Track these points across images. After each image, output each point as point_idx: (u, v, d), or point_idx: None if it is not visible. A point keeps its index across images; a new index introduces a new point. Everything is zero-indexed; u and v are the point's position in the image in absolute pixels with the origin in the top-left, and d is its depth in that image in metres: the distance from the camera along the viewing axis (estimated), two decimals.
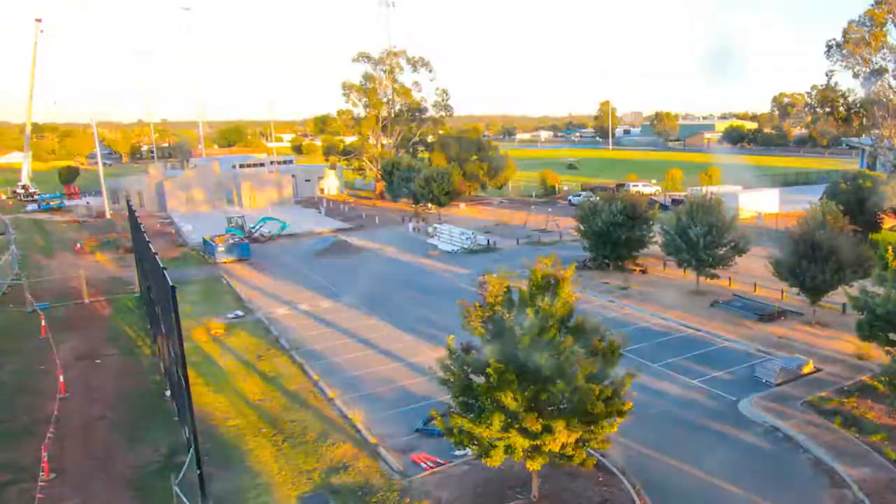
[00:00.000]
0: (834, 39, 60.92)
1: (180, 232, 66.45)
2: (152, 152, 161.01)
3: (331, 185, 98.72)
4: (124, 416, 25.18)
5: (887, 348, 23.27)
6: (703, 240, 36.05)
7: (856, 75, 60.70)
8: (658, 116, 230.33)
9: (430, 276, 46.23)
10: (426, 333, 32.04)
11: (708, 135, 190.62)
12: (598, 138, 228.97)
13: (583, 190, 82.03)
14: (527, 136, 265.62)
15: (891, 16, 57.25)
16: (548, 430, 16.36)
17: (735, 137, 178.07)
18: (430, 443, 21.74)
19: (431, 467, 20.37)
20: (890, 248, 23.14)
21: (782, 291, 35.89)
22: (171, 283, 18.25)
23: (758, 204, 63.48)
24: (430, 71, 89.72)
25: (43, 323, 36.11)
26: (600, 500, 18.49)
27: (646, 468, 20.07)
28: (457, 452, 20.30)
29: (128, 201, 54.97)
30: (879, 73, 59.31)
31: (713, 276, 37.55)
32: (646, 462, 20.42)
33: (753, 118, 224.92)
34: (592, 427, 16.71)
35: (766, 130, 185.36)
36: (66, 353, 32.04)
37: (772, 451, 21.00)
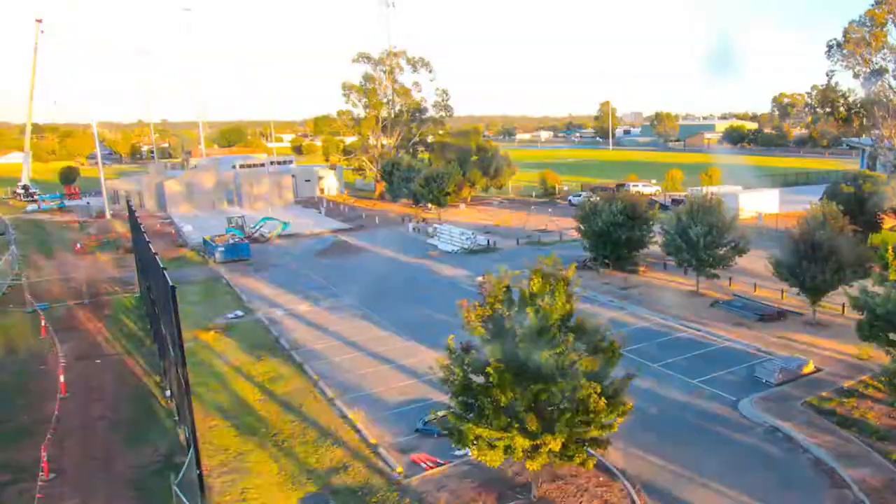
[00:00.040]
0: (834, 39, 60.97)
1: (180, 232, 66.46)
2: (152, 152, 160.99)
3: (331, 185, 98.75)
4: (124, 416, 25.18)
5: (887, 348, 23.27)
6: (704, 240, 36.05)
7: (856, 75, 60.74)
8: (658, 117, 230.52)
9: (430, 276, 46.22)
10: (426, 333, 32.02)
11: (708, 135, 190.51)
12: (598, 139, 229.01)
13: (583, 190, 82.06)
14: (527, 136, 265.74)
15: (891, 16, 57.26)
16: (548, 429, 16.36)
17: (735, 138, 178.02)
18: (430, 443, 21.75)
19: (431, 467, 20.36)
20: (890, 247, 23.13)
21: (782, 291, 35.89)
22: (171, 284, 18.27)
23: (758, 204, 63.42)
24: (430, 71, 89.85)
25: (43, 323, 36.14)
26: (600, 501, 18.49)
27: (646, 468, 20.06)
28: (457, 452, 20.30)
29: (128, 201, 55.01)
30: (880, 73, 59.32)
31: (713, 276, 37.57)
32: (646, 462, 20.41)
33: (753, 118, 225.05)
34: (593, 427, 16.71)
35: (767, 131, 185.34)
36: (66, 353, 32.06)
37: (771, 451, 20.99)
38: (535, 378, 16.30)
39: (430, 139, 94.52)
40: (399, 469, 20.36)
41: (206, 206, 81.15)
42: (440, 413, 21.21)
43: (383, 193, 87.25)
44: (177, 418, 24.10)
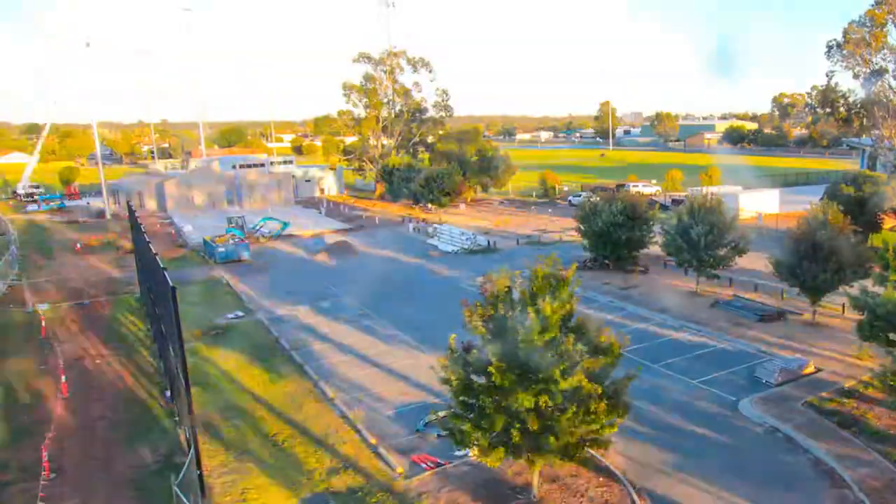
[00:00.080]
0: (834, 40, 61.09)
1: (180, 232, 66.42)
2: (152, 153, 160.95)
3: (331, 185, 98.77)
4: (124, 416, 25.17)
5: (887, 348, 23.27)
6: (705, 239, 36.06)
7: (856, 76, 60.88)
8: (658, 117, 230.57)
9: (431, 276, 46.22)
10: (426, 333, 32.02)
11: (708, 135, 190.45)
12: (598, 139, 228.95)
13: (583, 190, 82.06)
14: (527, 136, 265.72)
15: (891, 16, 57.35)
16: (549, 430, 16.36)
17: (735, 138, 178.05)
18: (431, 443, 21.75)
19: (432, 468, 20.34)
20: (891, 248, 23.15)
21: (782, 292, 35.90)
22: (171, 284, 18.27)
23: (758, 204, 63.43)
24: (431, 71, 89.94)
25: (43, 323, 36.14)
26: (601, 501, 18.49)
27: (646, 468, 20.06)
28: (457, 453, 20.29)
29: (128, 202, 54.99)
30: (880, 73, 59.42)
31: (714, 277, 37.58)
32: (646, 462, 20.41)
33: (753, 118, 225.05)
34: (593, 427, 16.71)
35: (767, 131, 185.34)
36: (66, 354, 32.05)
37: (772, 451, 20.99)
38: (536, 378, 16.30)
39: (430, 139, 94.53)
40: (400, 470, 20.34)
41: (206, 206, 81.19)
42: (440, 413, 21.22)
43: (383, 194, 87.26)
44: (177, 418, 24.09)
